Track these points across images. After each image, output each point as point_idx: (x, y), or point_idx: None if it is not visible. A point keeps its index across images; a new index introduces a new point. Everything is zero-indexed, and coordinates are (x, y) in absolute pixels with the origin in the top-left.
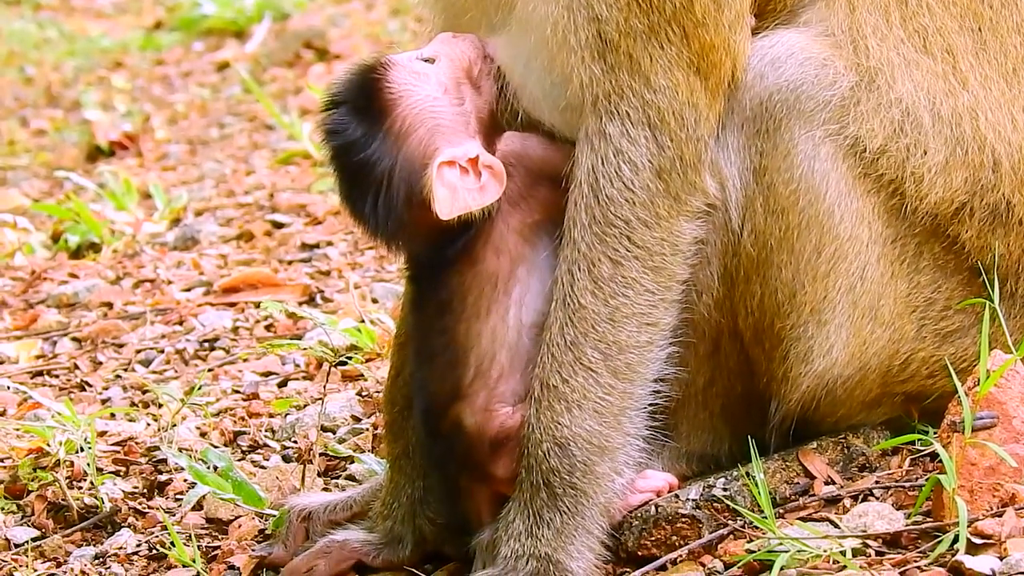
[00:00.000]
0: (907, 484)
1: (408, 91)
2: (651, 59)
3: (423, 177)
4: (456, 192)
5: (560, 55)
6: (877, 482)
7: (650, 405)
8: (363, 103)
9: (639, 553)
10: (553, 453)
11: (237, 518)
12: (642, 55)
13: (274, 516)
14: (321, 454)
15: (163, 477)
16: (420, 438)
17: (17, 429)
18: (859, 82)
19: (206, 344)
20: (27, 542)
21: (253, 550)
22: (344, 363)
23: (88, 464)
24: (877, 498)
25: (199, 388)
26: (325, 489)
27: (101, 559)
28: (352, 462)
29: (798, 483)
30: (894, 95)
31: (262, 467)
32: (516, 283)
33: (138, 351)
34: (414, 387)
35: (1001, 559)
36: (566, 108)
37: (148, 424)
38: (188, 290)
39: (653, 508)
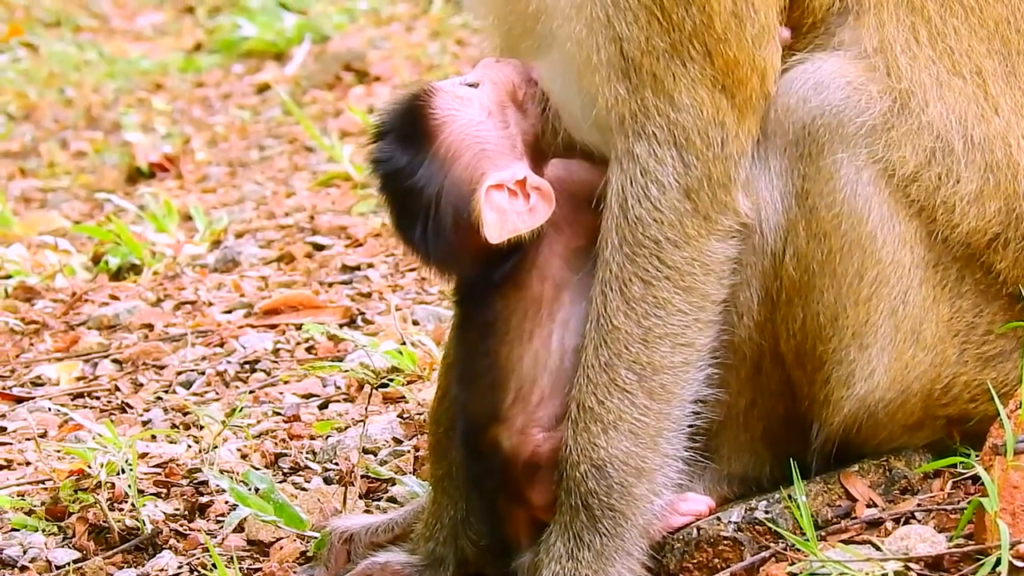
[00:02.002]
0: (949, 507)
1: (452, 116)
2: (674, 78)
3: (471, 201)
4: (505, 215)
5: (585, 74)
6: (919, 505)
7: (689, 426)
8: (408, 130)
9: (680, 575)
10: (590, 475)
11: (278, 540)
12: (665, 74)
13: (316, 538)
14: (362, 476)
15: (204, 499)
16: (461, 458)
17: (58, 451)
18: (891, 106)
19: (247, 366)
20: (68, 564)
21: (295, 572)
22: (385, 385)
23: (129, 486)
24: (919, 521)
25: (240, 410)
26: (367, 511)
27: None
28: (394, 484)
29: (840, 506)
30: (926, 119)
31: (303, 489)
32: (560, 308)
33: (179, 373)
34: (456, 408)
35: None
36: (597, 128)
37: (189, 446)
38: (229, 312)
39: (695, 530)
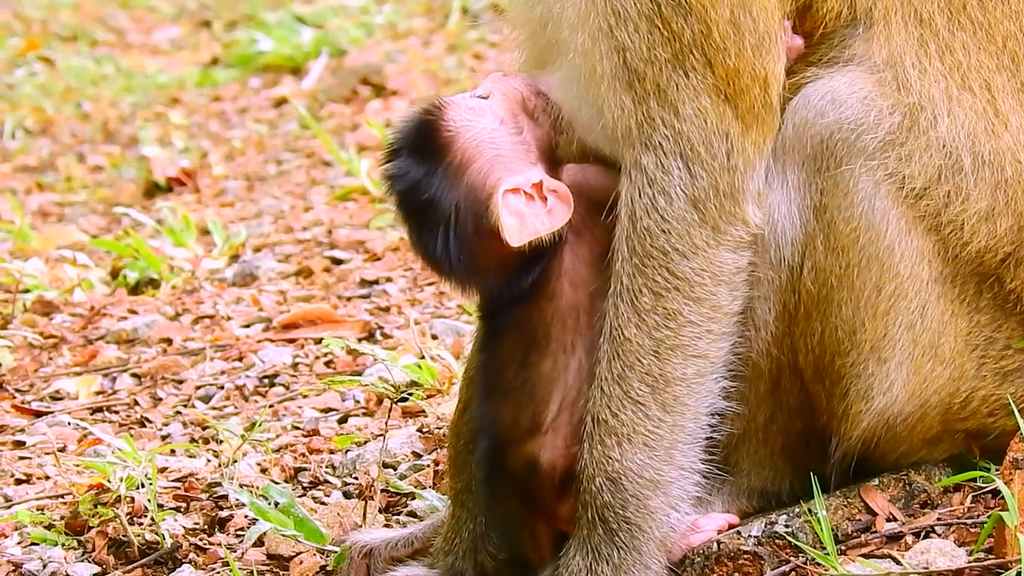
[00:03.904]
0: (969, 521)
1: (465, 126)
2: (677, 88)
3: (489, 207)
4: (524, 219)
5: (591, 85)
6: (939, 519)
7: (706, 439)
8: (422, 145)
9: None
10: (606, 488)
11: (298, 554)
12: (668, 84)
13: (335, 552)
14: (382, 490)
15: (224, 513)
16: (483, 474)
17: (77, 465)
18: (901, 121)
19: (266, 380)
20: None
21: None
22: (405, 399)
23: (149, 500)
24: (939, 535)
25: (259, 424)
26: (386, 525)
27: None
28: (413, 498)
29: (860, 520)
30: (935, 135)
31: (323, 503)
32: (597, 314)
33: (198, 387)
34: (481, 423)
35: None
36: (606, 139)
37: (208, 460)
38: (247, 326)
39: (715, 544)
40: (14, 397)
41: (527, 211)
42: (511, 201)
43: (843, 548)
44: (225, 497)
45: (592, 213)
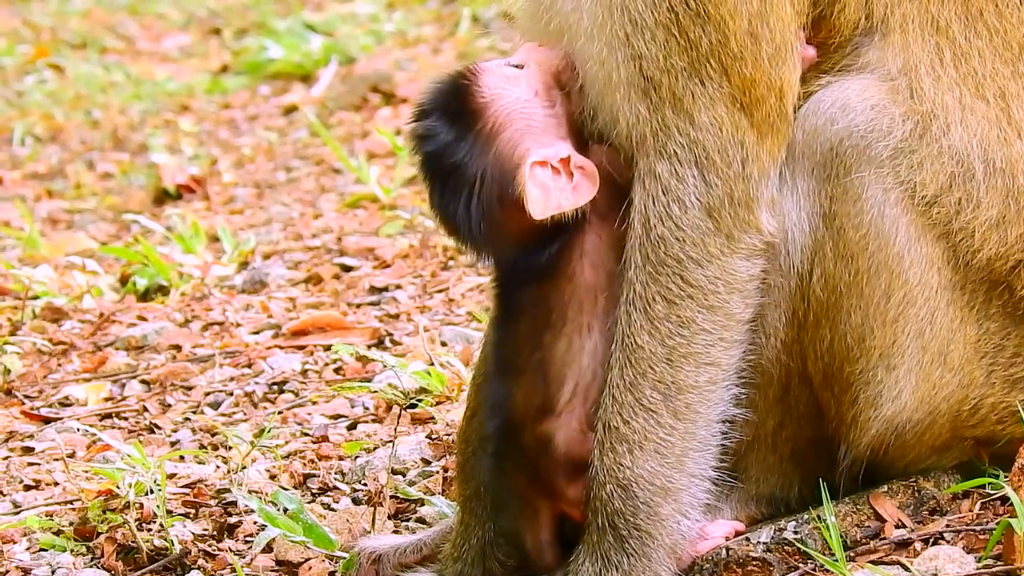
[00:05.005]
0: (978, 528)
1: (499, 94)
2: (693, 96)
3: (515, 178)
4: (549, 192)
5: (607, 93)
6: (948, 525)
7: (716, 446)
8: (454, 108)
9: None
10: (616, 495)
11: (307, 560)
12: (684, 92)
13: (344, 559)
14: (391, 496)
15: (233, 519)
16: (491, 450)
17: (86, 471)
18: (913, 129)
19: (275, 387)
20: None
21: None
22: (414, 406)
23: (158, 506)
24: (948, 541)
25: (268, 431)
26: (395, 532)
27: None
28: (422, 504)
29: (869, 526)
30: (947, 143)
31: (332, 509)
32: (615, 299)
33: (207, 394)
34: (489, 403)
35: None
36: (620, 146)
37: (217, 466)
38: (257, 333)
39: (724, 551)
40: (23, 403)
41: (553, 185)
42: (538, 173)
43: (852, 555)
44: (234, 503)
45: (617, 196)
